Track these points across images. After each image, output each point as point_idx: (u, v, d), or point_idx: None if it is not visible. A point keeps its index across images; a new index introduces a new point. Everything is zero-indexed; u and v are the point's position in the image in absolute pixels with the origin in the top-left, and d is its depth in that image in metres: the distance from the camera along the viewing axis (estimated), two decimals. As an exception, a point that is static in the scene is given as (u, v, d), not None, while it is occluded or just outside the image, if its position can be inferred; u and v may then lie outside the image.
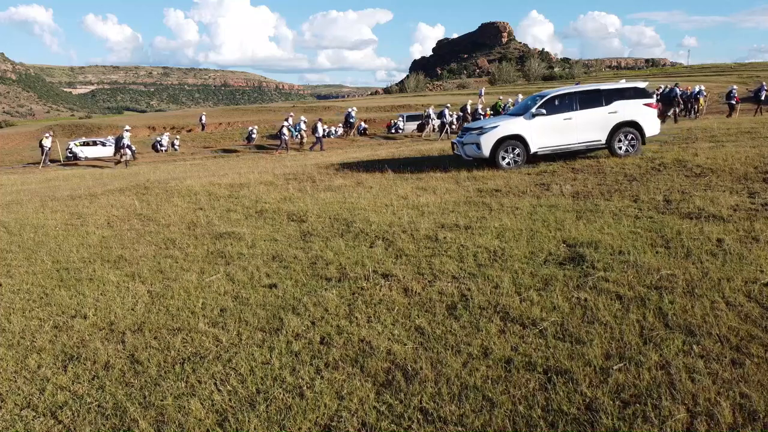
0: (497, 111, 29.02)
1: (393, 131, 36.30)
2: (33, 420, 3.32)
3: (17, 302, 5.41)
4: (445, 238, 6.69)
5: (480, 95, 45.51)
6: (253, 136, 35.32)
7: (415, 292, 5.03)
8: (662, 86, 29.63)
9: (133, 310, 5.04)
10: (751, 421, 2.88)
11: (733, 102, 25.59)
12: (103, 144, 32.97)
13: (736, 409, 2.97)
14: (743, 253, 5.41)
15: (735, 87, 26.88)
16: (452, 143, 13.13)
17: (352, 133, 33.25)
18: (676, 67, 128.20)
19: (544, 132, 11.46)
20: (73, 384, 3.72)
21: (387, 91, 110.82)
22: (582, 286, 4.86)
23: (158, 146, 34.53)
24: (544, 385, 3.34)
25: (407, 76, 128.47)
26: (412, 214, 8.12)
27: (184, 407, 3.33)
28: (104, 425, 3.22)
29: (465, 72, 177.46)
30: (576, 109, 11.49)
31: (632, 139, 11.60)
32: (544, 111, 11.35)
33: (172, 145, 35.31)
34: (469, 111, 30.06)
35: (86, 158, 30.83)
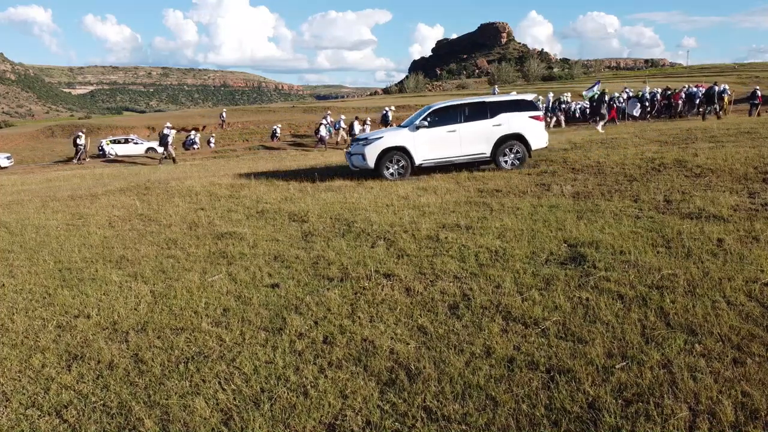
0: None
1: None
2: (38, 419, 3.33)
3: (20, 302, 5.42)
4: (446, 238, 6.71)
5: (494, 94, 45.76)
6: (277, 134, 35.73)
7: (417, 291, 5.05)
8: (686, 86, 29.74)
9: (136, 309, 5.05)
10: (752, 419, 2.90)
11: (757, 102, 25.71)
12: (135, 142, 34.33)
13: (737, 408, 2.99)
14: (744, 252, 5.43)
15: (758, 87, 27.05)
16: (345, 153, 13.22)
17: None
18: (675, 67, 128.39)
19: (429, 144, 11.45)
20: (77, 383, 3.73)
21: (386, 91, 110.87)
22: (583, 286, 4.88)
23: (189, 144, 35.01)
24: (546, 384, 3.36)
25: (407, 76, 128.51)
26: (413, 214, 8.13)
27: (189, 406, 3.35)
28: (109, 424, 3.24)
29: (464, 72, 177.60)
30: (461, 122, 11.50)
31: (517, 152, 11.61)
32: (426, 123, 11.39)
33: (208, 142, 36.45)
34: None
35: (116, 155, 32.34)
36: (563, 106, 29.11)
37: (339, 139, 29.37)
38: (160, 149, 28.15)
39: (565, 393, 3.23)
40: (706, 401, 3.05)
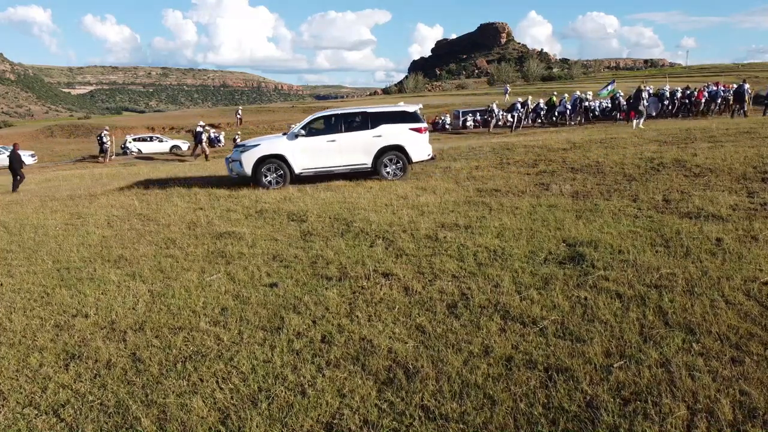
0: (552, 106, 29.75)
1: (440, 128, 36.39)
2: (35, 418, 3.32)
3: (18, 301, 5.42)
4: (445, 237, 6.71)
5: (506, 93, 46.08)
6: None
7: (416, 291, 5.05)
8: (707, 84, 29.73)
9: (134, 309, 5.05)
10: (751, 418, 2.90)
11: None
12: (160, 140, 35.31)
13: (736, 407, 2.99)
14: (742, 252, 5.43)
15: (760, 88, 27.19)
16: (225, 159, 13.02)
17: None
18: (674, 67, 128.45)
19: (308, 153, 11.35)
20: (75, 382, 3.72)
21: (386, 91, 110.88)
22: (582, 285, 4.88)
23: (215, 141, 35.19)
24: (544, 382, 3.35)
25: (406, 76, 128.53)
26: (411, 214, 8.13)
27: (187, 405, 3.34)
28: (107, 423, 3.23)
29: (464, 72, 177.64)
30: (341, 132, 11.44)
31: (398, 163, 11.30)
32: (304, 132, 11.33)
33: (234, 140, 36.64)
34: (530, 106, 30.26)
35: (139, 152, 33.54)
36: (585, 104, 29.13)
37: None
38: (185, 146, 28.83)
39: (563, 392, 3.22)
40: (704, 400, 3.04)
